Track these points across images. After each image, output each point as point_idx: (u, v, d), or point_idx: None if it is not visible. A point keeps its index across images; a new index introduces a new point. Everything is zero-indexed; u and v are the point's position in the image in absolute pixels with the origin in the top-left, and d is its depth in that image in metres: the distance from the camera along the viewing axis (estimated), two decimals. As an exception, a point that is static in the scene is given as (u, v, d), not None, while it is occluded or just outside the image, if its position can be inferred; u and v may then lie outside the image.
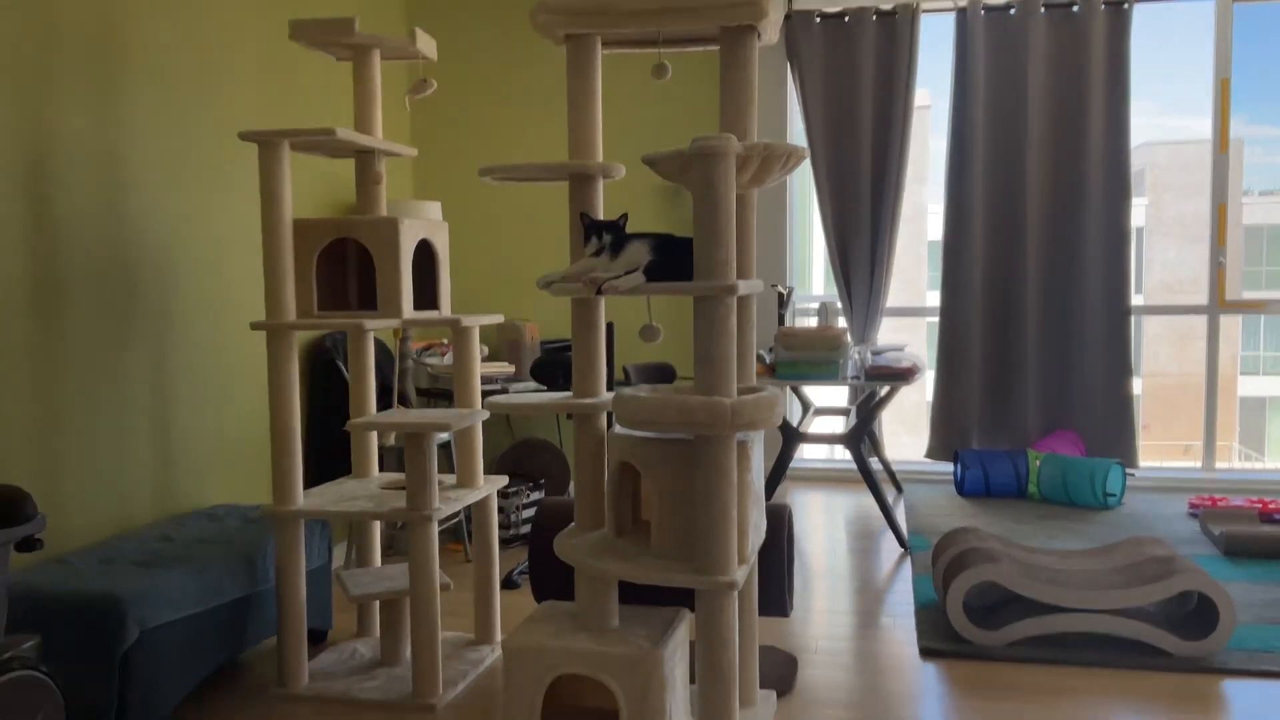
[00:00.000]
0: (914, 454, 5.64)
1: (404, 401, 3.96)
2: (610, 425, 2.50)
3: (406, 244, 2.84)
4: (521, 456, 4.71)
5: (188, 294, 3.28)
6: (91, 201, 2.88)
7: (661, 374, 4.96)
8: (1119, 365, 5.17)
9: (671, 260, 2.25)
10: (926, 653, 3.04)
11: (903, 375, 3.99)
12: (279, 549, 2.75)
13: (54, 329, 2.74)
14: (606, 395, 2.54)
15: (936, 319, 5.37)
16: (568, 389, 3.97)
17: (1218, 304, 5.25)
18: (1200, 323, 5.35)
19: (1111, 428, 5.19)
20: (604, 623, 2.33)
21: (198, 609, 2.55)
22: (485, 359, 4.62)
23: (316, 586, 3.05)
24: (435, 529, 2.69)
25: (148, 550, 2.71)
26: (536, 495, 4.42)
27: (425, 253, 3.02)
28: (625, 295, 2.26)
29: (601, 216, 2.50)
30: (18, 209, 2.65)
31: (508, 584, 3.76)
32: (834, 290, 5.50)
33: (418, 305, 3.01)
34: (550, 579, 2.86)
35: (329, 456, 4.01)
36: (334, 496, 2.87)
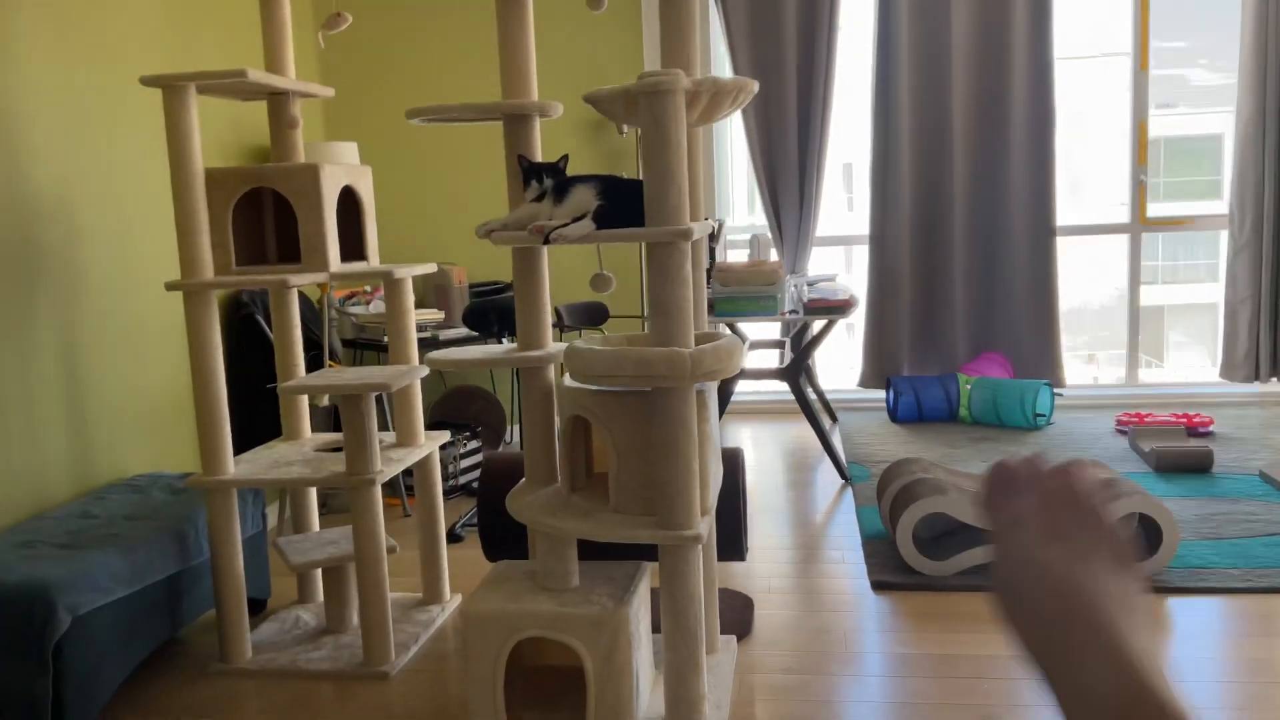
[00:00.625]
0: (844, 382, 5.66)
1: (333, 357, 3.80)
2: (560, 376, 2.41)
3: (329, 192, 2.67)
4: (455, 405, 4.59)
5: (94, 255, 3.06)
6: (-22, 157, 2.65)
7: (594, 314, 4.87)
8: (1044, 286, 5.23)
9: (621, 205, 2.14)
10: (879, 586, 3.05)
11: (841, 308, 3.96)
12: (212, 521, 2.61)
13: (-54, 298, 2.53)
14: (555, 346, 2.44)
15: (864, 246, 5.35)
16: (501, 336, 3.86)
17: (1139, 222, 5.32)
18: (1107, 240, 5.43)
19: (1038, 348, 5.26)
20: (564, 582, 2.26)
21: (130, 589, 2.41)
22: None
23: (253, 554, 2.92)
24: (379, 493, 2.58)
25: (69, 530, 2.55)
26: (474, 445, 4.32)
27: (349, 200, 2.85)
28: (574, 244, 2.16)
29: (539, 159, 2.37)
30: (-105, 168, 2.41)
31: (451, 538, 3.67)
32: (760, 221, 5.43)
33: (344, 256, 2.85)
34: (502, 537, 2.77)
35: (256, 419, 3.84)
36: (267, 462, 2.73)
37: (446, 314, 4.50)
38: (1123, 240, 5.39)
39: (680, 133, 2.03)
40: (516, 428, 4.98)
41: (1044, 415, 4.89)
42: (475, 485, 4.20)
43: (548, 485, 2.46)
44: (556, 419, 2.41)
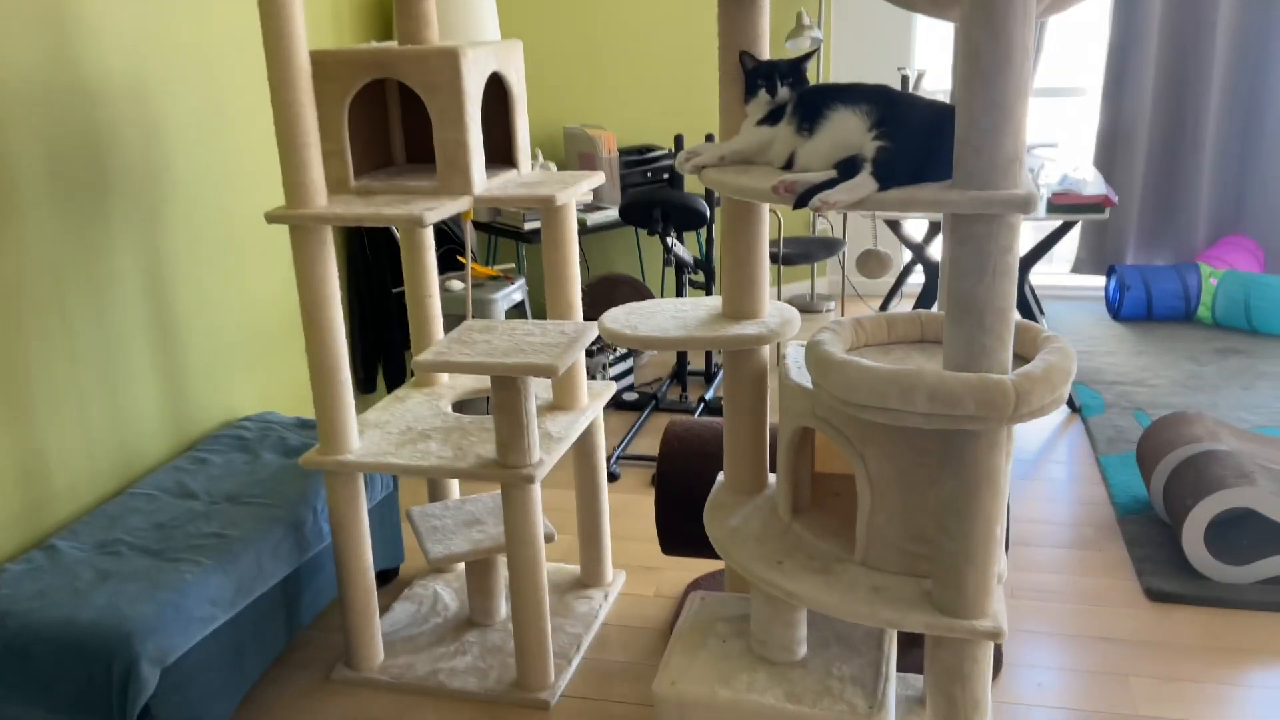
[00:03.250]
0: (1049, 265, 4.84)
1: (465, 254, 3.20)
2: (780, 359, 1.76)
3: (473, 85, 1.99)
4: (600, 296, 3.97)
5: (178, 156, 2.46)
6: (32, 51, 2.03)
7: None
8: (1319, 158, 4.23)
9: (913, 145, 1.41)
10: (1156, 595, 2.40)
11: (1096, 206, 3.14)
12: (334, 510, 2.10)
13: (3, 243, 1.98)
14: (773, 320, 1.77)
15: (1088, 99, 4.41)
16: (667, 234, 3.18)
17: None
18: None
19: (1302, 234, 4.33)
20: (789, 653, 1.68)
21: (235, 610, 1.93)
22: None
23: (382, 522, 2.43)
24: (537, 491, 2.01)
25: (160, 523, 2.06)
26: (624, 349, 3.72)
27: (496, 90, 2.17)
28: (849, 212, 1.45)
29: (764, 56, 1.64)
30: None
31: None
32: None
33: (489, 161, 2.20)
34: (680, 526, 2.20)
35: (381, 327, 3.30)
36: (398, 431, 2.18)
37: (594, 191, 3.82)
38: None
39: (1028, 35, 1.28)
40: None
41: (1309, 322, 4.01)
42: (627, 398, 3.63)
43: (752, 494, 1.86)
44: (779, 422, 1.77)
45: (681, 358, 3.72)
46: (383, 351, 3.32)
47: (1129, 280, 4.26)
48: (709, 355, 3.82)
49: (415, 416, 2.26)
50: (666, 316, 1.85)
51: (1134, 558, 2.54)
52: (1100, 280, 4.55)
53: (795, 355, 1.75)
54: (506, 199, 2.05)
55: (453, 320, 3.16)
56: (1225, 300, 4.11)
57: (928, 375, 1.37)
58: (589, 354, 3.54)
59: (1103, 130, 4.39)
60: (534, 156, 3.75)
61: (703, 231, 4.14)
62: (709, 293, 3.70)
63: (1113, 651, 2.21)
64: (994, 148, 1.30)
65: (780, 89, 1.60)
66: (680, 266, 3.38)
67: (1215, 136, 4.31)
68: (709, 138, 3.79)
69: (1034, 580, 2.49)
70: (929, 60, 4.56)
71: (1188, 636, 2.25)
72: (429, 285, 2.41)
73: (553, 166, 3.76)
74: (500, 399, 1.91)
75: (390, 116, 2.27)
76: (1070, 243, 4.55)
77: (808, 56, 1.65)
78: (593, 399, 2.33)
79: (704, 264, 3.63)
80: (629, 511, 2.89)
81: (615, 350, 3.63)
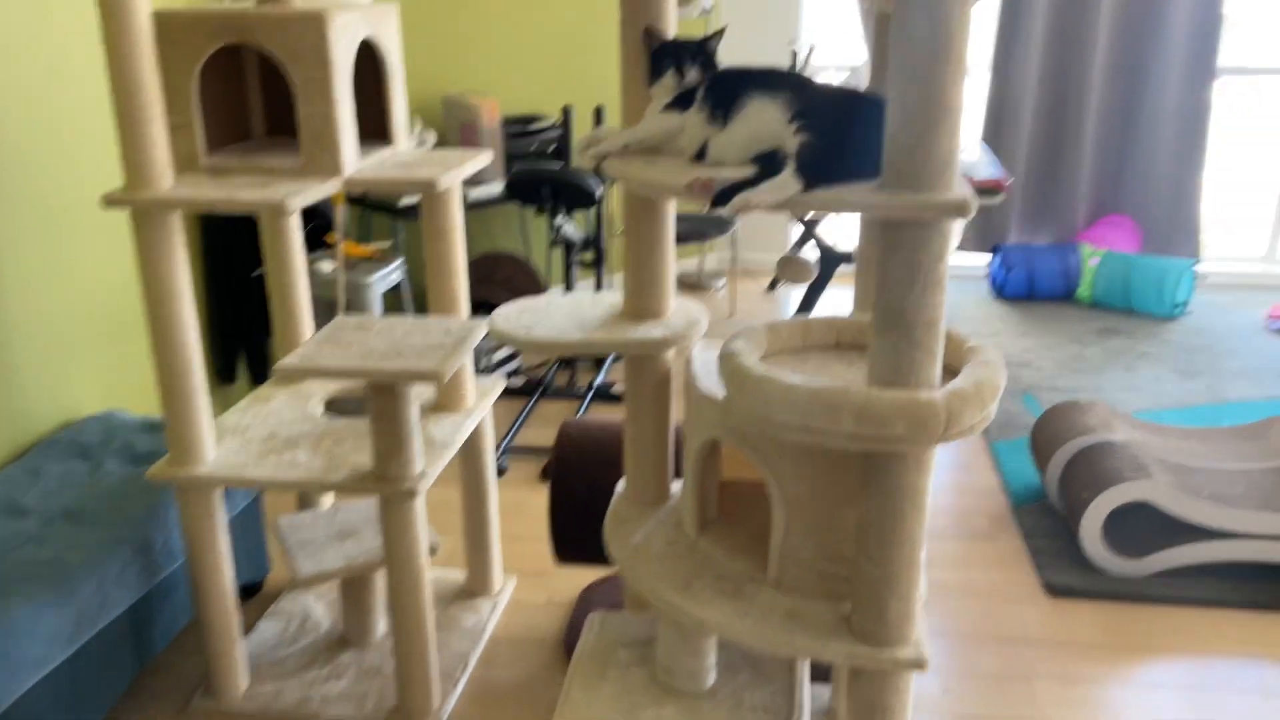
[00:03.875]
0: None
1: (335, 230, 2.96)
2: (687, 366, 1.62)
3: (341, 51, 1.78)
4: (481, 275, 3.78)
5: (3, 132, 2.16)
6: None
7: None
8: (1192, 138, 4.32)
9: (836, 141, 1.28)
10: (1056, 590, 2.37)
11: (990, 190, 3.10)
12: (187, 528, 1.88)
13: None
14: (677, 321, 1.64)
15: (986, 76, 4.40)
16: (555, 212, 3.00)
17: (1318, 65, 4.36)
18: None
19: (1176, 213, 4.41)
20: (696, 681, 1.56)
21: (75, 646, 1.70)
22: (424, 146, 3.58)
23: (245, 531, 2.21)
24: (421, 505, 1.84)
25: (-14, 540, 1.81)
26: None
27: (368, 60, 1.96)
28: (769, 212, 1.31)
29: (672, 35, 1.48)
30: None
31: (490, 469, 2.95)
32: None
33: (360, 135, 1.99)
34: (576, 535, 2.06)
35: (239, 312, 3.03)
36: (260, 438, 1.96)
37: (477, 164, 3.60)
38: (1294, 86, 4.44)
39: (966, 24, 1.16)
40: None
41: (1181, 304, 4.10)
42: (512, 384, 3.46)
43: (655, 505, 1.73)
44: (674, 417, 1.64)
45: (569, 340, 3.56)
46: (244, 338, 3.06)
47: (1013, 261, 4.28)
48: (597, 337, 3.67)
49: (280, 420, 2.04)
50: (562, 315, 1.69)
51: (1030, 550, 2.51)
52: (983, 258, 4.57)
53: (703, 359, 1.62)
54: (382, 180, 1.85)
55: (322, 306, 2.93)
56: (1104, 280, 4.17)
57: (854, 394, 1.25)
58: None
59: (990, 107, 4.39)
60: (412, 125, 3.52)
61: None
62: (599, 272, 3.55)
63: (1015, 653, 2.17)
64: (929, 147, 1.18)
65: (689, 71, 1.45)
66: (569, 246, 3.21)
67: (1097, 116, 4.35)
68: (599, 112, 3.61)
69: (930, 575, 2.44)
70: (817, 35, 4.47)
71: (1089, 634, 2.22)
72: (294, 267, 2.19)
73: (432, 137, 3.54)
74: (378, 407, 1.73)
75: (248, 84, 2.03)
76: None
77: (718, 35, 1.51)
78: (480, 398, 2.16)
79: (594, 241, 3.47)
80: (519, 510, 2.74)
81: (499, 333, 3.44)
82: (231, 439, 1.95)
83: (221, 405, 2.98)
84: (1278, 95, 4.52)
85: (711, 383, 1.53)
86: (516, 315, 1.69)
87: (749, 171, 1.29)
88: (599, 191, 3.01)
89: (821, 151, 1.26)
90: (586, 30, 4.06)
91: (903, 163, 1.20)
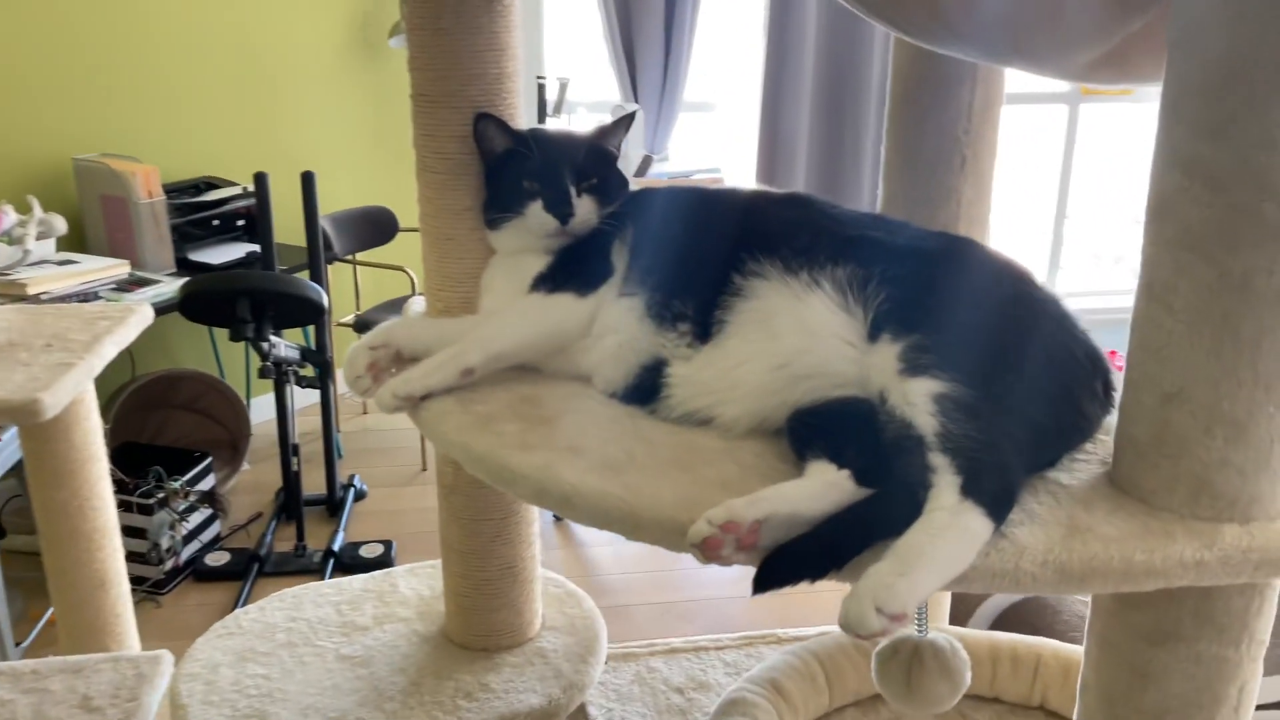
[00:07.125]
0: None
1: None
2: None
3: None
4: (155, 399, 2.75)
5: None
6: None
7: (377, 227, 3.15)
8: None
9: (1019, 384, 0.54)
10: None
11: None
12: None
13: None
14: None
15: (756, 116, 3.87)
16: (263, 336, 2.09)
17: (1080, 92, 4.19)
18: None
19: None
20: None
21: None
22: (49, 235, 2.54)
23: None
24: None
25: None
26: (206, 482, 2.53)
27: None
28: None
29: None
30: None
31: None
32: (606, 83, 3.78)
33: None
34: None
35: None
36: None
37: (132, 258, 2.56)
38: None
39: None
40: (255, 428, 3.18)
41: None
42: (210, 563, 2.47)
43: None
44: None
45: (292, 480, 2.60)
46: None
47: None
48: (330, 468, 2.75)
49: None
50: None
51: None
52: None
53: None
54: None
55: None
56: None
57: None
58: (147, 511, 2.32)
59: (762, 149, 3.87)
60: (25, 210, 2.45)
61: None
62: (325, 387, 2.64)
63: None
64: None
65: (580, 203, 0.66)
66: (282, 366, 2.29)
67: (874, 152, 3.93)
68: (308, 180, 2.63)
69: None
70: (565, 69, 3.72)
71: None
72: None
73: (59, 224, 2.49)
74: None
75: None
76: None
77: (624, 122, 0.73)
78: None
79: (317, 354, 2.55)
80: None
81: (186, 499, 2.42)
82: None
83: None
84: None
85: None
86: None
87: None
88: (325, 300, 2.12)
89: (1002, 432, 0.52)
90: (280, 48, 3.12)
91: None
